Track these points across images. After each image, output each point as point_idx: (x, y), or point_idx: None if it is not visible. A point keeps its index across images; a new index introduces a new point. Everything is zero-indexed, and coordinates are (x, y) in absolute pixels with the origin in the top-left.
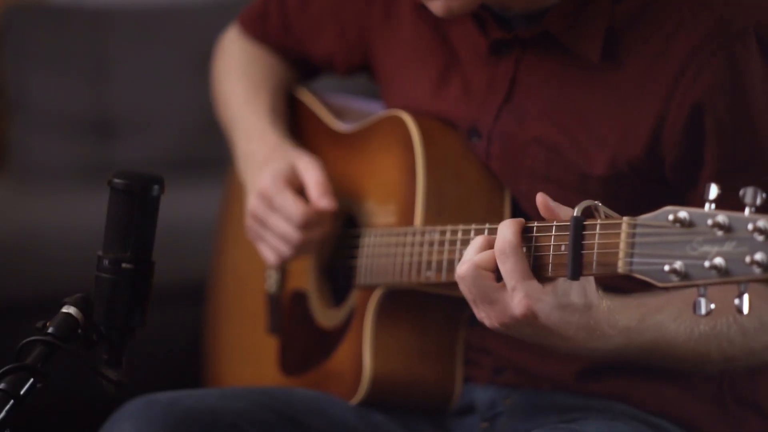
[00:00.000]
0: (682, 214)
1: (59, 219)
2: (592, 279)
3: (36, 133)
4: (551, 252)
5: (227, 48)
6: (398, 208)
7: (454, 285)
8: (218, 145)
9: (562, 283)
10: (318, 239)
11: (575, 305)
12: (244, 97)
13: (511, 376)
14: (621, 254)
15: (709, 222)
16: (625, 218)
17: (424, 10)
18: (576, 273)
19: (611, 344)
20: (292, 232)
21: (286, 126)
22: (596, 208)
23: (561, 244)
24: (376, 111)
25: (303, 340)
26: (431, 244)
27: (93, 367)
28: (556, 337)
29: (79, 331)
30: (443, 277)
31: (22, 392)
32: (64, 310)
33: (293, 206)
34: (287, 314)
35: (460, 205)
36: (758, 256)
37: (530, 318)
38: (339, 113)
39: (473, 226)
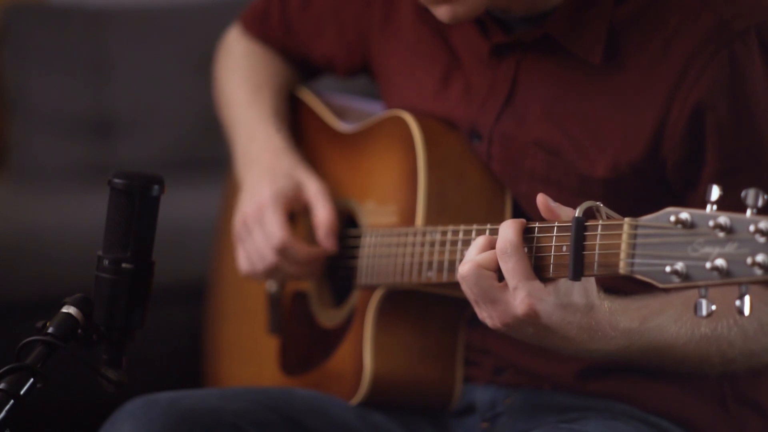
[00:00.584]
0: (684, 215)
1: (59, 219)
2: (593, 280)
3: (36, 133)
4: (552, 252)
5: (229, 47)
6: (399, 208)
7: (454, 285)
8: (218, 145)
9: (564, 282)
10: (290, 274)
11: (577, 305)
12: (246, 97)
13: (511, 376)
14: (622, 255)
15: (711, 223)
16: (626, 219)
17: (424, 12)
18: (577, 273)
19: (612, 345)
20: (269, 253)
21: (287, 127)
22: (597, 209)
23: (562, 245)
24: (378, 111)
25: (303, 340)
26: (432, 244)
27: (93, 367)
28: (558, 337)
29: (79, 331)
30: (444, 278)
31: (22, 392)
32: (64, 310)
33: (275, 230)
34: (288, 314)
35: (461, 205)
36: (759, 257)
37: (532, 317)
38: (340, 113)
39: (474, 227)
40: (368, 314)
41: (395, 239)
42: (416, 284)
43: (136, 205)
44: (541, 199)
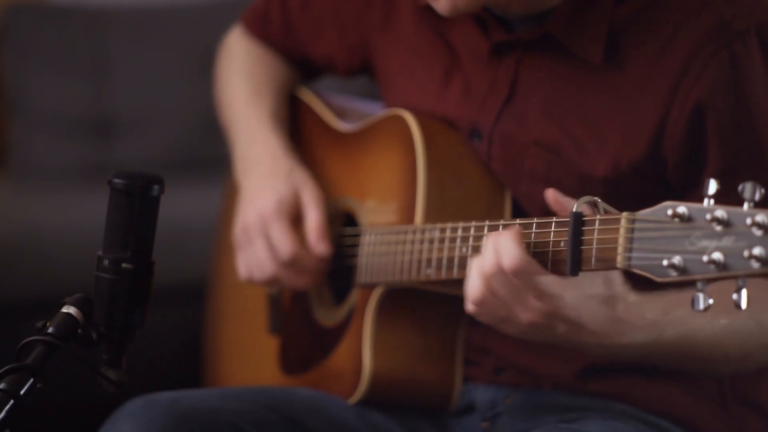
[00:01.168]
0: (681, 209)
1: (59, 219)
2: (617, 271)
3: (36, 133)
4: (550, 248)
5: (230, 48)
6: (399, 206)
7: (454, 283)
8: (218, 145)
9: (584, 274)
10: (290, 283)
11: (601, 296)
12: (246, 98)
13: (511, 376)
14: (620, 249)
15: (708, 217)
16: (624, 213)
17: (424, 11)
18: (575, 268)
19: (641, 338)
20: (270, 264)
21: (287, 129)
22: (595, 204)
23: (560, 240)
24: (378, 111)
25: (303, 340)
26: (431, 241)
27: (93, 367)
28: (588, 332)
29: (79, 331)
30: (443, 275)
31: (22, 392)
32: (64, 310)
33: (285, 243)
34: (287, 314)
35: (461, 204)
36: (756, 250)
37: (558, 313)
38: (340, 113)
39: (473, 224)
40: (368, 313)
41: (394, 237)
42: (415, 282)
43: (136, 205)
44: (551, 194)
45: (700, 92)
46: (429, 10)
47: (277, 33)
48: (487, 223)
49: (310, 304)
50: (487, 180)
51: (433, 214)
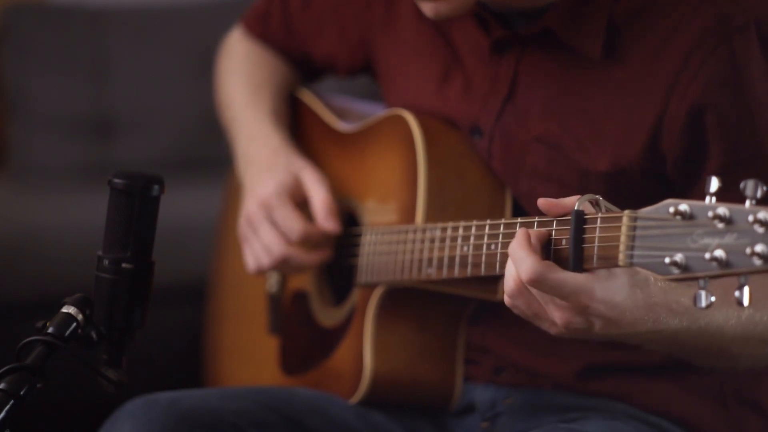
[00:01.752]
0: (683, 206)
1: (59, 219)
2: None
3: (36, 133)
4: (552, 246)
5: (231, 48)
6: (399, 206)
7: (454, 282)
8: (218, 145)
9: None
10: (299, 264)
11: (628, 282)
12: (246, 98)
13: (511, 376)
14: (622, 247)
15: (710, 214)
16: (625, 211)
17: None
18: (577, 267)
19: (675, 324)
20: (277, 246)
21: (287, 128)
22: (597, 203)
23: (562, 239)
24: (378, 112)
25: (303, 340)
26: (432, 241)
27: (93, 367)
28: (625, 323)
29: (79, 331)
30: (444, 274)
31: (22, 392)
32: (64, 310)
33: (293, 223)
34: (288, 314)
35: (461, 203)
36: (759, 247)
37: (590, 307)
38: (340, 114)
39: (474, 223)
40: (368, 313)
41: (395, 237)
42: (416, 281)
43: (136, 205)
44: (542, 202)
45: (699, 88)
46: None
47: (278, 33)
48: (488, 222)
49: (311, 304)
50: (487, 179)
51: (433, 214)
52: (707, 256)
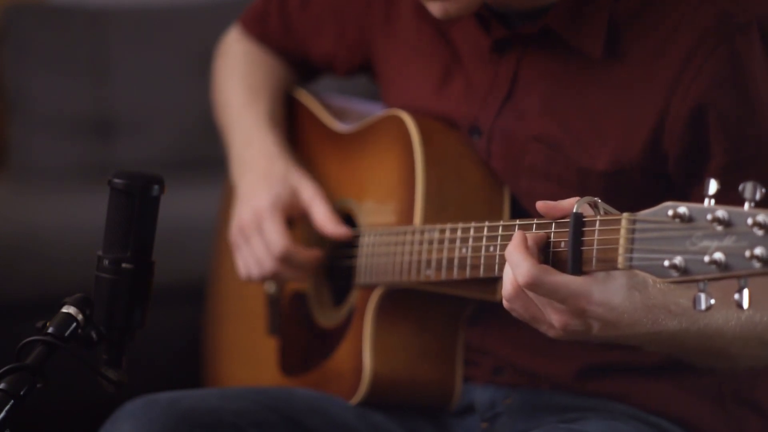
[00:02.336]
0: (682, 209)
1: (59, 219)
2: None
3: (36, 133)
4: (551, 249)
5: (228, 49)
6: (398, 207)
7: (453, 284)
8: (218, 145)
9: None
10: (290, 278)
11: (626, 284)
12: (243, 100)
13: (511, 376)
14: (621, 250)
15: (709, 217)
16: (624, 214)
17: (425, 10)
18: (576, 269)
19: (674, 326)
20: (267, 261)
21: (283, 131)
22: (596, 205)
23: (561, 241)
24: (376, 112)
25: (303, 341)
26: (431, 242)
27: (93, 367)
28: (624, 325)
29: (79, 331)
30: (443, 276)
31: (22, 392)
32: (64, 310)
33: (277, 239)
34: (287, 315)
35: (460, 203)
36: (758, 250)
37: (588, 310)
38: (338, 114)
39: (472, 224)
40: (367, 314)
41: (394, 238)
42: (415, 283)
43: (136, 205)
44: (540, 205)
45: (701, 87)
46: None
47: (276, 33)
48: (486, 224)
49: (310, 306)
50: (486, 179)
51: (432, 214)
52: (706, 258)
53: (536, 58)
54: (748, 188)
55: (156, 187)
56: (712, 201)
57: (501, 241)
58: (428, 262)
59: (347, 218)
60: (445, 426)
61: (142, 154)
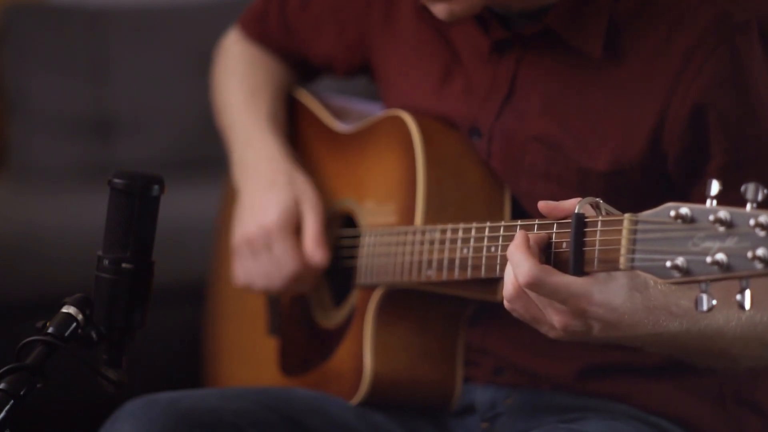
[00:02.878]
0: (684, 210)
1: (59, 219)
2: None
3: (36, 133)
4: (553, 249)
5: (228, 50)
6: (398, 207)
7: (454, 284)
8: (218, 145)
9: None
10: (292, 292)
11: (627, 285)
12: (243, 101)
13: (511, 376)
14: (622, 251)
15: (711, 218)
16: (626, 215)
17: (424, 10)
18: (578, 270)
19: (675, 326)
20: (278, 280)
21: (284, 132)
22: (597, 206)
23: (562, 242)
24: (376, 112)
25: (303, 341)
26: (431, 242)
27: (93, 367)
28: (625, 326)
29: (79, 331)
30: (444, 276)
31: (22, 392)
32: (64, 310)
33: (289, 260)
34: (287, 315)
35: (460, 203)
36: (760, 251)
37: (588, 311)
38: (339, 114)
39: (474, 225)
40: (368, 314)
41: (394, 238)
42: (416, 283)
43: (136, 205)
44: (542, 205)
45: (701, 86)
46: (429, 9)
47: (276, 33)
48: (488, 224)
49: (310, 306)
50: (486, 179)
51: (432, 214)
52: (708, 259)
53: (536, 59)
54: (750, 189)
55: (156, 187)
56: (714, 202)
57: (502, 241)
58: (429, 263)
59: (348, 218)
60: (446, 426)
61: (142, 154)
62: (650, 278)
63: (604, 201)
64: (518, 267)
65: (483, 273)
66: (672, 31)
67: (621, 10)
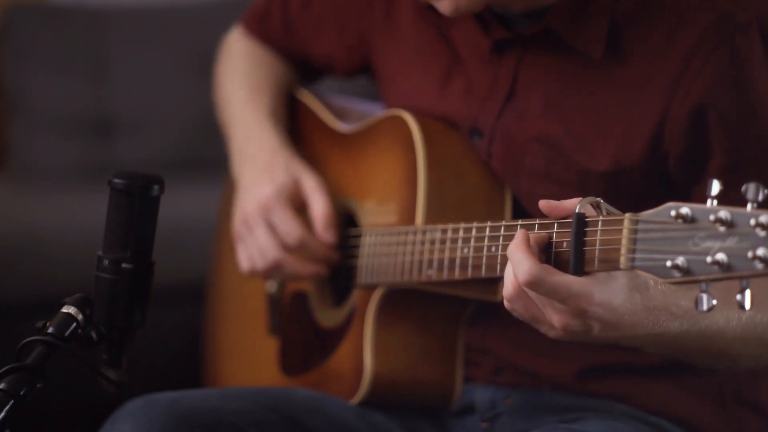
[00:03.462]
0: (684, 209)
1: (59, 219)
2: None
3: (36, 133)
4: (553, 249)
5: (230, 48)
6: (399, 207)
7: (454, 284)
8: (218, 145)
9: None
10: (293, 272)
11: (627, 284)
12: (245, 97)
13: (511, 377)
14: (623, 250)
15: (711, 218)
16: (627, 214)
17: (425, 11)
18: (578, 269)
19: (675, 327)
20: (273, 250)
21: (285, 128)
22: (598, 205)
23: (563, 241)
24: (377, 112)
25: (303, 341)
26: (432, 242)
27: (93, 367)
28: (625, 326)
29: (79, 331)
30: (444, 276)
31: (22, 392)
32: (64, 310)
33: (291, 227)
34: (287, 315)
35: (461, 204)
36: (760, 251)
37: (588, 311)
38: (340, 114)
39: (474, 224)
40: (368, 313)
41: (395, 238)
42: (416, 283)
43: (136, 205)
44: (543, 204)
45: (702, 87)
46: (430, 9)
47: (277, 32)
48: (488, 224)
49: (310, 305)
50: (486, 179)
51: (433, 214)
52: (709, 259)
53: (536, 59)
54: (750, 189)
55: (156, 187)
56: (715, 202)
57: (503, 241)
58: (430, 262)
59: (349, 218)
60: (445, 426)
61: (142, 154)
62: (650, 278)
63: (604, 201)
64: (518, 266)
65: (483, 273)
66: (673, 32)
67: (621, 11)
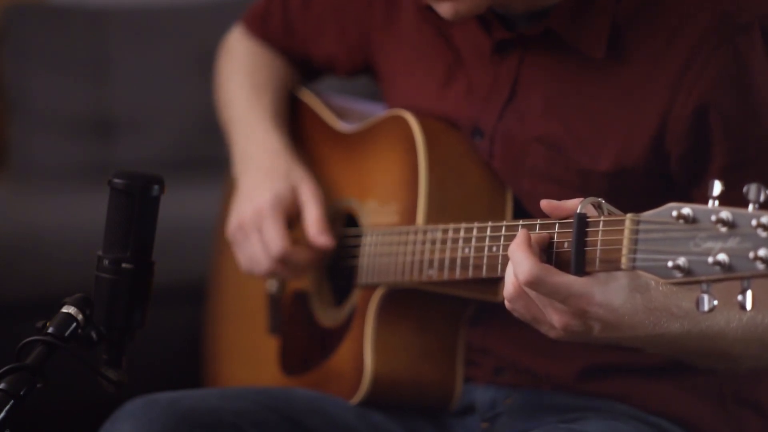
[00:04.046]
0: (686, 210)
1: (59, 219)
2: None
3: (36, 133)
4: (554, 249)
5: (231, 48)
6: (400, 207)
7: (455, 284)
8: (218, 145)
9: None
10: (289, 276)
11: (628, 285)
12: (246, 97)
13: (511, 376)
14: (624, 251)
15: (713, 218)
16: (628, 215)
17: (426, 11)
18: (579, 270)
19: (676, 328)
20: (263, 259)
21: (286, 129)
22: (599, 205)
23: (564, 241)
24: (378, 112)
25: (303, 340)
26: (433, 242)
27: (93, 367)
28: (625, 327)
29: (79, 331)
30: (445, 276)
31: (22, 392)
32: (64, 310)
33: (275, 240)
34: (288, 314)
35: (462, 204)
36: (762, 252)
37: (589, 311)
38: (341, 114)
39: (475, 224)
40: (369, 313)
41: (396, 238)
42: (417, 283)
43: (136, 205)
44: (545, 204)
45: (704, 87)
46: (431, 9)
47: (278, 32)
48: (489, 224)
49: (311, 305)
50: (488, 179)
51: (434, 214)
52: (710, 260)
53: (538, 60)
54: (752, 190)
55: (156, 187)
56: (716, 202)
57: (504, 241)
58: (431, 262)
59: (350, 218)
60: (446, 426)
61: (142, 154)
62: (651, 279)
63: (605, 201)
64: (519, 266)
65: (484, 273)
66: (674, 32)
67: (622, 11)
